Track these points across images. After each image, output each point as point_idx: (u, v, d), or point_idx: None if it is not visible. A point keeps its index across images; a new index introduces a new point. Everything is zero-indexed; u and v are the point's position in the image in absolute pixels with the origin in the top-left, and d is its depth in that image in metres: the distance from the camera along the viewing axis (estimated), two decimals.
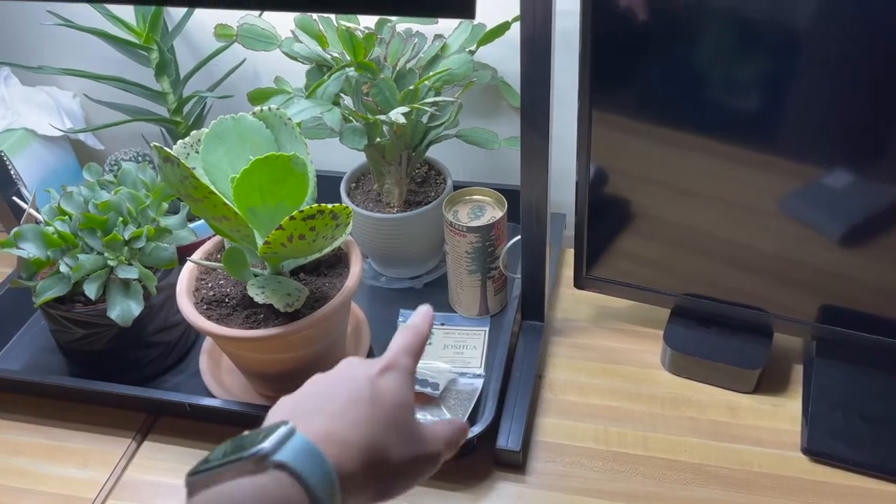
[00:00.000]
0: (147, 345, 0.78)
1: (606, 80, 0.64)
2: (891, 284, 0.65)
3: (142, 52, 0.86)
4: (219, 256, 0.75)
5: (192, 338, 0.84)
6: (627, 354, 0.81)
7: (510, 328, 0.79)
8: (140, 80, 0.89)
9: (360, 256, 0.73)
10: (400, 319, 0.84)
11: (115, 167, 0.88)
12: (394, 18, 0.82)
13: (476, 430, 0.69)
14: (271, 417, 0.45)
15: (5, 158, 0.90)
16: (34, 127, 0.96)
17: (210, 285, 0.73)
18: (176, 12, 0.90)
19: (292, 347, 0.69)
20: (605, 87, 0.65)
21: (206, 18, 0.89)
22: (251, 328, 0.67)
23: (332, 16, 0.79)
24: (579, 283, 0.80)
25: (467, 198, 0.82)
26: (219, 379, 0.78)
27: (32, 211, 0.79)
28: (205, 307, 0.70)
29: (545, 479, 0.69)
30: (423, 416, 0.72)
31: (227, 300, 0.71)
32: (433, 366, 0.78)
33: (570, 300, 0.87)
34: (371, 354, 0.81)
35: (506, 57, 0.86)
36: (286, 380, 0.73)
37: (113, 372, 0.77)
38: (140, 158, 0.90)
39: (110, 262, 0.72)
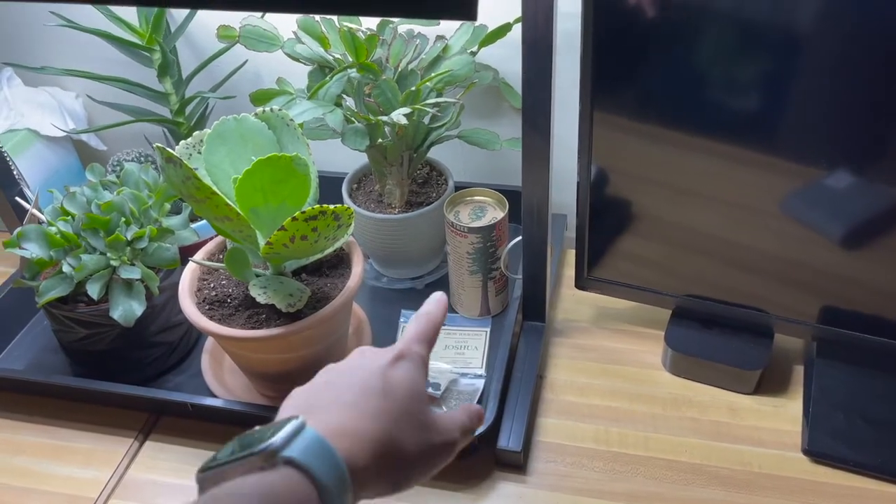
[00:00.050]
0: (149, 345, 0.79)
1: (607, 81, 0.64)
2: (891, 285, 0.66)
3: (144, 52, 0.87)
4: (221, 257, 0.76)
5: (194, 338, 0.84)
6: (628, 355, 0.81)
7: (511, 329, 0.79)
8: (142, 80, 0.89)
9: (362, 257, 0.73)
10: (401, 320, 0.84)
11: (118, 168, 0.88)
12: (395, 20, 0.82)
13: (477, 430, 0.69)
14: (284, 409, 0.45)
15: (8, 159, 0.90)
16: (37, 127, 0.96)
17: (212, 285, 0.73)
18: (178, 13, 0.90)
19: (294, 347, 0.69)
20: (607, 88, 0.65)
21: (208, 19, 0.90)
22: (253, 328, 0.67)
23: (334, 17, 0.79)
24: (580, 284, 0.80)
25: (469, 198, 0.83)
26: (221, 379, 0.78)
27: (35, 211, 0.79)
28: (207, 307, 0.70)
29: (546, 480, 0.70)
30: None
31: (229, 300, 0.71)
32: (434, 366, 0.78)
33: (571, 301, 0.87)
34: None
35: (507, 58, 0.86)
36: (288, 380, 0.73)
37: (115, 372, 0.77)
38: (142, 159, 0.91)
39: (113, 263, 0.72)
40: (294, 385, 0.73)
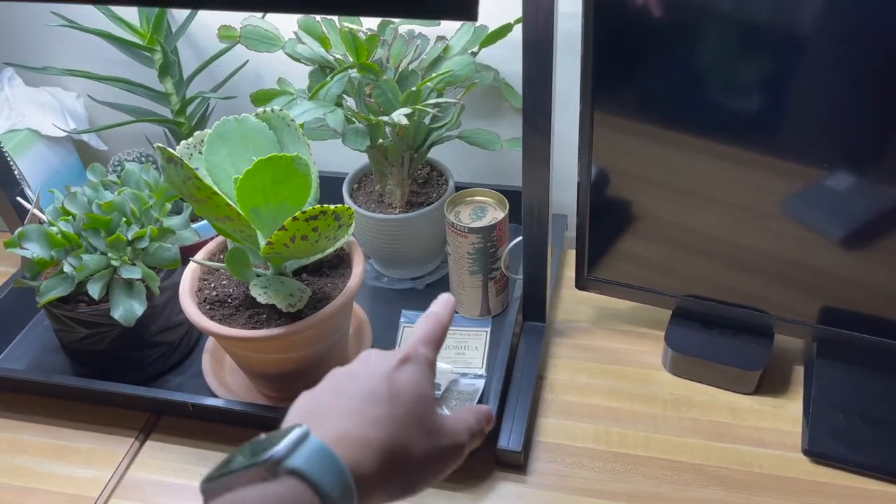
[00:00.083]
0: (150, 344, 0.79)
1: (608, 81, 0.64)
2: (891, 286, 0.66)
3: (145, 53, 0.87)
4: (221, 257, 0.76)
5: (195, 338, 0.84)
6: (629, 355, 0.81)
7: (511, 329, 0.79)
8: (143, 81, 0.89)
9: (363, 257, 0.73)
10: (402, 320, 0.84)
11: (119, 168, 0.88)
12: (396, 20, 0.82)
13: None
14: (291, 414, 0.45)
15: (9, 159, 0.90)
16: (38, 127, 0.96)
17: (213, 285, 0.73)
18: (179, 14, 0.91)
19: (294, 347, 0.69)
20: (607, 88, 0.65)
21: (209, 20, 0.90)
22: (254, 328, 0.67)
23: (335, 17, 0.79)
24: (581, 284, 0.80)
25: (469, 199, 0.83)
26: (221, 379, 0.78)
27: (36, 211, 0.79)
28: (207, 307, 0.70)
29: (546, 480, 0.70)
30: None
31: (229, 300, 0.71)
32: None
33: (571, 301, 0.87)
34: None
35: (508, 58, 0.86)
36: (288, 380, 0.73)
37: (116, 371, 0.78)
38: (143, 159, 0.91)
39: (114, 263, 0.73)
40: (294, 385, 0.73)
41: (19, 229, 0.72)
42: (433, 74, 0.79)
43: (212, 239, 0.78)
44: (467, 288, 0.83)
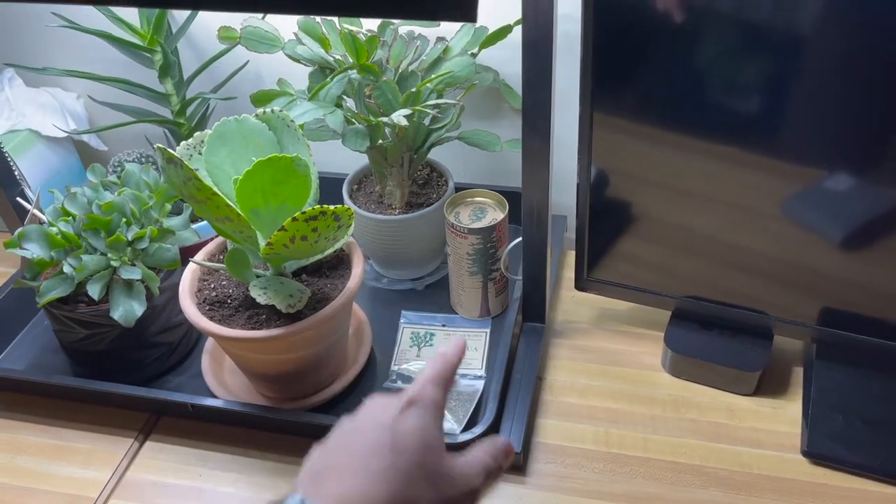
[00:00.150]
0: (150, 345, 0.79)
1: (607, 82, 0.65)
2: (891, 287, 0.66)
3: (145, 53, 0.87)
4: (221, 257, 0.76)
5: (195, 338, 0.84)
6: (628, 356, 0.81)
7: (511, 330, 0.79)
8: (144, 81, 0.89)
9: (362, 258, 0.73)
10: (402, 321, 0.84)
11: (119, 168, 0.89)
12: (396, 21, 0.83)
13: (476, 431, 0.69)
14: (301, 474, 0.44)
15: (10, 159, 0.91)
16: (38, 128, 0.96)
17: (212, 286, 0.73)
18: (179, 14, 0.91)
19: (294, 348, 0.69)
20: (607, 89, 0.65)
21: (209, 21, 0.90)
22: (253, 329, 0.67)
23: (335, 18, 0.80)
24: (580, 285, 0.80)
25: (469, 200, 0.83)
26: (221, 379, 0.78)
27: (36, 212, 0.79)
28: (207, 308, 0.70)
29: (545, 481, 0.70)
30: None
31: (229, 301, 0.71)
32: None
33: (570, 302, 0.87)
34: (372, 355, 0.81)
35: (508, 59, 0.86)
36: (288, 380, 0.73)
37: (116, 372, 0.78)
38: (143, 160, 0.91)
39: (113, 263, 0.73)
40: (293, 386, 0.74)
41: (19, 230, 0.72)
42: (433, 75, 0.79)
43: (211, 239, 0.78)
44: (467, 289, 0.83)
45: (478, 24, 0.82)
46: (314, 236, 0.62)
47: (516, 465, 0.70)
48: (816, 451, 0.69)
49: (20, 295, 0.87)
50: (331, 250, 0.72)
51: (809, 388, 0.74)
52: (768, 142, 0.62)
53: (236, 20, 0.81)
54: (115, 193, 0.76)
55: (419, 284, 0.90)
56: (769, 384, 0.76)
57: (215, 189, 0.60)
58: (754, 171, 0.64)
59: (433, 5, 0.37)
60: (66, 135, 0.98)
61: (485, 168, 0.97)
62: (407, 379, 0.75)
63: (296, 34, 0.80)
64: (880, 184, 0.61)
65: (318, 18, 0.79)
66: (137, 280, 0.73)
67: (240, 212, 0.61)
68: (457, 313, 0.86)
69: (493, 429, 0.70)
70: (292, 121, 0.67)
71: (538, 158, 0.70)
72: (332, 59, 0.79)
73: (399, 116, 0.73)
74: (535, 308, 0.82)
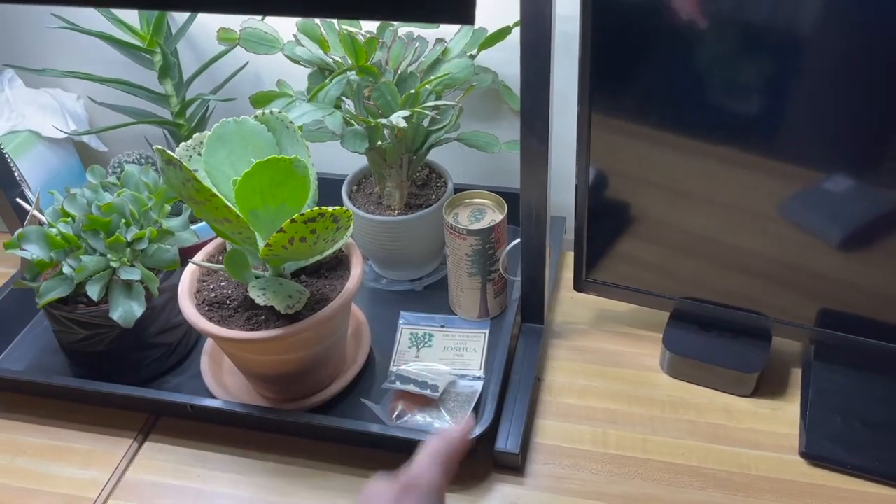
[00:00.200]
0: (149, 346, 0.79)
1: (606, 83, 0.65)
2: (889, 289, 0.66)
3: (145, 55, 0.87)
4: (220, 258, 0.76)
5: (194, 339, 0.84)
6: (627, 357, 0.81)
7: (510, 331, 0.79)
8: (143, 82, 0.89)
9: (361, 259, 0.73)
10: (400, 321, 0.84)
11: (119, 169, 0.89)
12: (395, 23, 0.83)
13: (476, 431, 0.69)
14: None
15: (9, 160, 0.91)
16: (38, 129, 0.97)
17: (211, 287, 0.73)
18: (179, 16, 0.91)
19: (293, 349, 0.69)
20: (605, 90, 0.65)
21: (209, 22, 0.90)
22: (252, 330, 0.67)
23: (334, 20, 0.80)
24: (579, 287, 0.80)
25: (468, 201, 0.83)
26: (220, 380, 0.78)
27: (36, 212, 0.79)
28: (206, 309, 0.71)
29: (544, 482, 0.70)
30: (423, 419, 0.73)
31: (228, 302, 0.71)
32: (433, 368, 0.78)
33: (569, 303, 0.88)
34: (371, 356, 0.81)
35: (507, 61, 0.87)
36: (287, 381, 0.73)
37: (115, 372, 0.78)
38: (143, 161, 0.91)
39: (113, 264, 0.73)
40: (293, 387, 0.74)
41: (19, 230, 0.73)
42: (432, 77, 0.79)
43: (211, 240, 0.78)
44: (466, 290, 0.83)
45: (477, 26, 0.82)
46: (313, 238, 0.62)
47: (514, 465, 0.70)
48: (815, 452, 0.69)
49: (20, 296, 0.87)
50: (330, 251, 0.72)
51: (808, 389, 0.74)
52: (767, 143, 0.63)
53: (236, 21, 0.81)
54: (115, 194, 0.76)
55: (418, 285, 0.90)
56: (768, 385, 0.76)
57: (214, 190, 0.61)
58: (753, 172, 0.64)
59: (431, 7, 0.37)
60: (65, 136, 0.98)
61: (484, 169, 0.97)
62: (406, 380, 0.75)
63: (295, 35, 0.80)
64: (879, 185, 0.61)
65: (317, 20, 0.79)
66: (137, 281, 0.73)
67: (239, 213, 0.61)
68: (455, 314, 0.86)
69: (492, 429, 0.70)
70: (291, 122, 0.68)
71: (537, 159, 0.70)
72: (331, 60, 0.79)
73: (398, 118, 0.73)
74: (533, 309, 0.82)
